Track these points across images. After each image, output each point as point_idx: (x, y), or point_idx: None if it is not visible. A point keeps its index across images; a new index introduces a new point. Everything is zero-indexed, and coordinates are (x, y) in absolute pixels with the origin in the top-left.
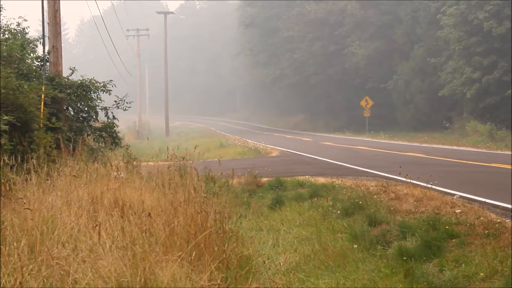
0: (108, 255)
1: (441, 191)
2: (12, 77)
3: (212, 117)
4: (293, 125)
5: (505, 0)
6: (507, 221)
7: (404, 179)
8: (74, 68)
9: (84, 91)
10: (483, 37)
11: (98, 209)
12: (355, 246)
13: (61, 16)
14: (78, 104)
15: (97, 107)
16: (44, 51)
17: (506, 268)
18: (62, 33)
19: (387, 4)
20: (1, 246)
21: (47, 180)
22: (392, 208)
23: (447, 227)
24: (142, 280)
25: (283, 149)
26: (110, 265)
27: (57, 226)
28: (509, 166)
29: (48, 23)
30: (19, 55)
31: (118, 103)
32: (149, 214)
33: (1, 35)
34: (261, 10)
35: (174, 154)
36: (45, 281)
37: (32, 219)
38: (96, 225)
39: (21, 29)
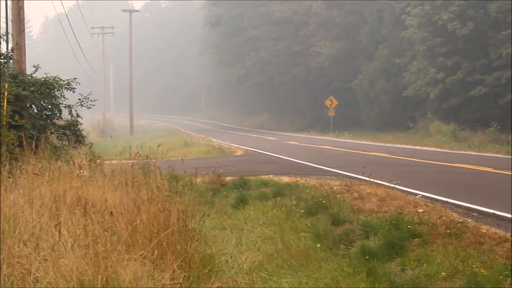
0: (70, 253)
1: (404, 191)
2: None
3: (177, 116)
4: (258, 124)
5: (469, 0)
6: (468, 220)
7: (368, 179)
8: (38, 65)
9: (48, 89)
10: (447, 38)
11: (61, 207)
12: (318, 245)
13: (25, 13)
14: (42, 102)
15: (61, 105)
16: (7, 49)
17: (467, 268)
18: (26, 30)
19: (352, 4)
20: None
21: (9, 178)
22: (355, 208)
23: (409, 226)
24: (104, 278)
25: (247, 148)
26: (71, 263)
27: (19, 225)
28: (471, 166)
29: (11, 20)
30: None
31: (82, 101)
32: (111, 212)
33: None
34: (226, 10)
35: (137, 152)
36: (5, 280)
37: None
38: (57, 223)
39: None
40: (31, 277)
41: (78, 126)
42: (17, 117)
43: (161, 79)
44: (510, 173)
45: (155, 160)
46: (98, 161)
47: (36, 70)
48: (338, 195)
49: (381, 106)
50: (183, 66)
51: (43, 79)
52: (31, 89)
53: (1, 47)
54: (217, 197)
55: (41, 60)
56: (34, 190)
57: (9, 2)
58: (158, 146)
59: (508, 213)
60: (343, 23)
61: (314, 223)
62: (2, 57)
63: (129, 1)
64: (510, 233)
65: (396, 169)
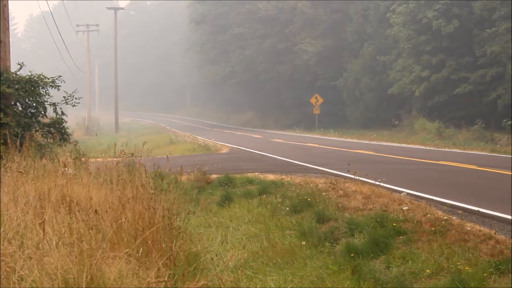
0: (55, 251)
1: (389, 189)
2: None
3: (163, 114)
4: (244, 122)
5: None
6: (453, 218)
7: (353, 176)
8: (22, 63)
9: (32, 87)
10: (432, 35)
11: (45, 205)
12: (304, 243)
13: (10, 11)
14: (27, 100)
15: (46, 103)
16: None
17: (452, 265)
18: (11, 28)
19: (337, 2)
20: None
21: None
22: (340, 205)
23: (394, 224)
24: (89, 277)
25: (233, 146)
26: (56, 261)
27: (3, 223)
28: (455, 164)
29: None
30: None
31: (67, 99)
32: (96, 210)
33: None
34: (211, 8)
35: (122, 150)
36: None
37: None
38: (42, 221)
39: None
40: (16, 275)
41: (63, 124)
42: (1, 115)
43: (146, 77)
44: (510, 173)
45: (140, 158)
46: (83, 159)
47: (20, 68)
48: (323, 193)
49: (366, 103)
50: (168, 64)
51: (27, 77)
52: (16, 87)
53: None
54: (203, 195)
55: (25, 57)
56: (18, 188)
57: None
58: (143, 144)
59: (492, 211)
60: (329, 21)
61: (299, 221)
62: None
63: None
64: (494, 231)
65: (381, 167)
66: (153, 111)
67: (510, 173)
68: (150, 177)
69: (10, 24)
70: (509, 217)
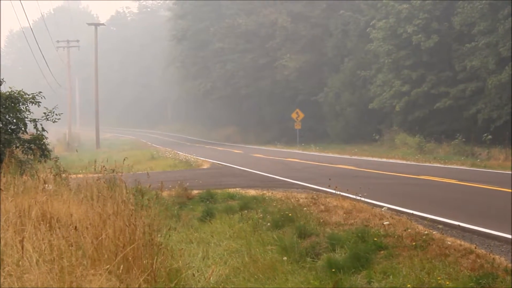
0: (35, 268)
1: (370, 203)
2: None
3: (144, 129)
4: (225, 137)
5: (433, 13)
6: (434, 232)
7: (334, 191)
8: (2, 79)
9: (12, 103)
10: (412, 50)
11: (26, 222)
12: (285, 258)
13: None
14: (7, 116)
15: (26, 119)
16: None
17: (432, 280)
18: None
19: (317, 17)
20: None
21: None
22: (321, 220)
23: (375, 239)
24: None
25: (214, 161)
26: (36, 278)
27: None
28: (436, 178)
29: None
30: None
31: (48, 115)
32: (76, 227)
33: None
34: (192, 24)
35: (103, 166)
36: None
37: None
38: (21, 239)
39: None
40: None
41: (44, 140)
42: None
43: (127, 92)
44: (490, 187)
45: (121, 174)
46: (63, 175)
47: (0, 84)
48: (305, 208)
49: (347, 118)
50: (149, 79)
51: (7, 93)
52: None
53: None
54: (184, 211)
55: (5, 74)
56: None
57: None
58: (124, 160)
59: (473, 225)
60: (309, 36)
61: (280, 236)
62: None
63: (94, 14)
64: (474, 245)
65: (362, 182)
66: (134, 127)
67: (510, 190)
68: (131, 193)
69: None
70: (489, 231)
